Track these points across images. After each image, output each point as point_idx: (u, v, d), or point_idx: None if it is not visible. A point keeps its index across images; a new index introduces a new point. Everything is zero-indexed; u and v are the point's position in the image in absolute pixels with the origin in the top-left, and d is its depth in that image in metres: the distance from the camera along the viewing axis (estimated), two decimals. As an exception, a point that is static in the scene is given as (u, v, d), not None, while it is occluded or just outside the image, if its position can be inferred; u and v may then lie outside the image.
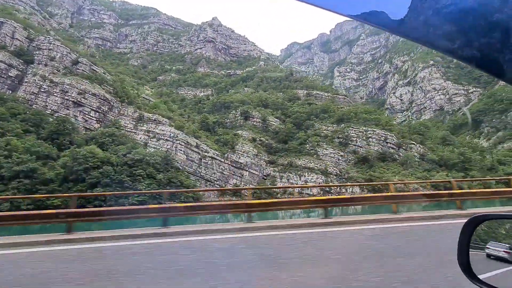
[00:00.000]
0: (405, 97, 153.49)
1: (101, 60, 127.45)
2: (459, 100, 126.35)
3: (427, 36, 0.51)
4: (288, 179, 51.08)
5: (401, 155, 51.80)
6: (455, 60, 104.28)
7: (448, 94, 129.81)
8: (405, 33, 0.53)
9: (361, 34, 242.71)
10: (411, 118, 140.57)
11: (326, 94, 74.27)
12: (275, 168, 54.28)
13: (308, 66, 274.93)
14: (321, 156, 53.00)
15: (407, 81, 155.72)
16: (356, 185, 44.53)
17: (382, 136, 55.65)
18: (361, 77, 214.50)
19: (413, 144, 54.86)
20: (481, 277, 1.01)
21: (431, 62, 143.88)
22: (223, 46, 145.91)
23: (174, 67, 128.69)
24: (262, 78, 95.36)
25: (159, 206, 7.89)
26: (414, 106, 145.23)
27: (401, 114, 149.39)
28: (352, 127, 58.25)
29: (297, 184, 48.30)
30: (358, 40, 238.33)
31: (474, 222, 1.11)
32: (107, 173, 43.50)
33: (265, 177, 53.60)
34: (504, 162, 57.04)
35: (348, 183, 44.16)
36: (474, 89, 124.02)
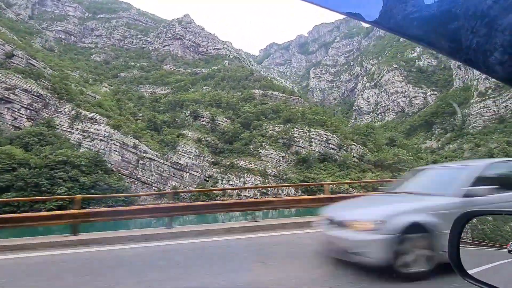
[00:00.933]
0: (371, 99, 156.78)
1: (60, 55, 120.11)
2: (418, 103, 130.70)
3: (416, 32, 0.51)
4: (228, 181, 49.80)
5: (342, 156, 52.01)
6: (416, 64, 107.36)
7: (408, 96, 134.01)
8: (395, 29, 0.53)
9: (336, 37, 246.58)
10: (376, 119, 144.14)
11: (281, 94, 73.74)
12: (217, 170, 52.83)
13: (286, 67, 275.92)
14: (263, 157, 52.11)
15: (373, 83, 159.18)
16: (292, 186, 44.08)
17: (324, 137, 55.60)
18: (335, 79, 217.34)
19: (354, 145, 55.25)
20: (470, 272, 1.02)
21: (395, 66, 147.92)
22: (192, 43, 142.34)
23: (138, 64, 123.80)
24: (223, 77, 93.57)
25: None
26: (379, 108, 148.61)
27: (367, 115, 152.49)
28: (297, 128, 57.85)
29: (236, 186, 47.13)
30: (333, 43, 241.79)
31: (465, 218, 1.10)
32: (21, 175, 40.05)
33: (206, 179, 52.01)
34: (441, 162, 58.98)
35: (281, 184, 43.57)
36: (432, 92, 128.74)
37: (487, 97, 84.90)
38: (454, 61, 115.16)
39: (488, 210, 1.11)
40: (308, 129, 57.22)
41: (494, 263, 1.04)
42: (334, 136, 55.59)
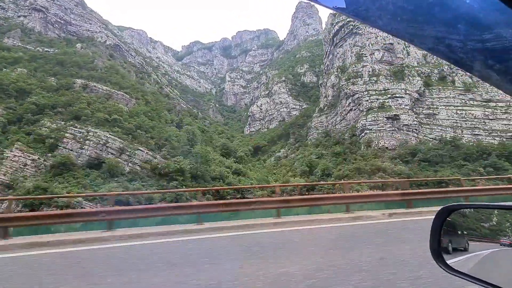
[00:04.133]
0: (264, 106, 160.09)
1: None
2: (296, 114, 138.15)
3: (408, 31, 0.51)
4: None
5: (107, 163, 45.02)
6: (301, 79, 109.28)
7: (288, 107, 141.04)
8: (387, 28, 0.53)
9: (254, 45, 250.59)
10: (264, 126, 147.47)
11: (105, 88, 63.69)
12: None
13: (208, 67, 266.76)
14: (2, 161, 40.91)
15: (267, 92, 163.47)
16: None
17: (102, 139, 47.67)
18: (248, 85, 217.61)
19: (141, 150, 49.04)
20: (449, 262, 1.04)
21: (283, 78, 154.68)
22: (59, 19, 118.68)
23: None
24: (61, 61, 77.97)
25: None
26: (266, 116, 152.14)
27: (258, 122, 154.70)
28: (74, 128, 48.49)
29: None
30: (251, 51, 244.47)
31: (446, 211, 1.11)
32: None
33: None
34: (239, 172, 58.77)
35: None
36: (306, 106, 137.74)
37: (323, 113, 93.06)
38: (328, 79, 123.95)
39: (468, 204, 1.09)
40: (87, 129, 48.51)
41: (472, 253, 1.04)
42: (116, 138, 48.26)
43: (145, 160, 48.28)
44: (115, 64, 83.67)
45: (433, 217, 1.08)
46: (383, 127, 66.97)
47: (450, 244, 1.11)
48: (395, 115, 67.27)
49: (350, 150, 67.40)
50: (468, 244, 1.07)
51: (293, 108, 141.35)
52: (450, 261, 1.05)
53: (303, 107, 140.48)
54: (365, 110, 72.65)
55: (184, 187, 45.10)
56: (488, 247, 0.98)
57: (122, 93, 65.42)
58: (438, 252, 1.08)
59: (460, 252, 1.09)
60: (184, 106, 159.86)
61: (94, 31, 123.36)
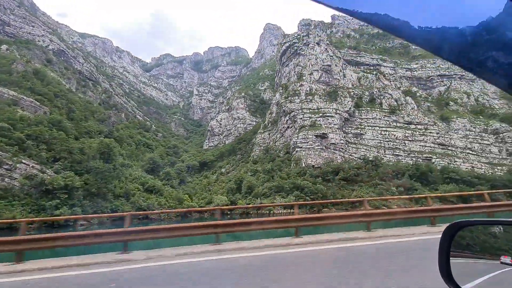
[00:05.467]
0: (223, 121, 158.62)
1: None
2: (251, 129, 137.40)
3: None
4: None
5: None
6: (261, 96, 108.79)
7: (245, 123, 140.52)
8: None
9: (223, 61, 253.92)
10: (222, 141, 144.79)
11: (11, 93, 57.59)
12: None
13: (177, 80, 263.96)
14: None
15: (228, 107, 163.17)
16: None
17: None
18: (215, 100, 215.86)
19: (24, 163, 43.30)
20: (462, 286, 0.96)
21: (243, 94, 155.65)
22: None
23: None
24: None
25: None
26: (225, 131, 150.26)
27: (217, 137, 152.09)
28: None
29: None
30: (220, 66, 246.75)
31: (454, 228, 1.03)
32: None
33: None
34: (152, 189, 54.74)
35: None
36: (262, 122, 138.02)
37: (266, 130, 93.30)
38: (273, 97, 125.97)
39: (479, 220, 1.00)
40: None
41: (486, 275, 0.94)
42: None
43: (27, 175, 42.61)
44: (42, 69, 77.71)
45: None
46: (312, 145, 67.34)
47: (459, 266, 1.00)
48: (323, 133, 68.20)
49: (279, 167, 66.43)
50: (475, 263, 0.99)
51: (250, 124, 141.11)
52: (466, 286, 0.95)
53: (259, 123, 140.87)
54: (298, 127, 73.20)
55: (67, 207, 40.04)
56: (490, 265, 0.92)
57: (31, 99, 59.73)
58: (449, 274, 0.97)
59: (471, 274, 0.99)
60: (141, 118, 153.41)
61: (36, 34, 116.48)
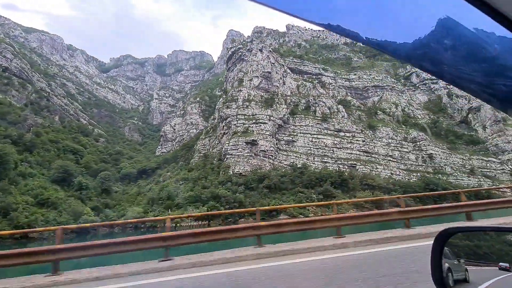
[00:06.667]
0: (177, 127, 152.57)
1: None
2: (195, 135, 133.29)
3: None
4: None
5: None
6: (216, 102, 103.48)
7: (198, 129, 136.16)
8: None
9: (187, 65, 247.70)
10: (174, 147, 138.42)
11: None
12: None
13: (138, 83, 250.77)
14: None
15: (182, 112, 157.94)
16: None
17: None
18: (177, 104, 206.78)
19: None
20: None
21: (198, 99, 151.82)
22: None
23: None
24: None
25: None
26: (177, 136, 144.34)
27: (170, 143, 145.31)
28: None
29: None
30: (184, 70, 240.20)
31: (446, 234, 1.02)
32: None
33: None
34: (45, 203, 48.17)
35: None
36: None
37: (207, 136, 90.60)
38: (218, 102, 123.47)
39: (471, 227, 0.99)
40: None
41: (485, 283, 0.92)
42: None
43: None
44: None
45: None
46: (241, 152, 65.57)
47: (451, 274, 0.97)
48: (253, 140, 66.91)
49: (206, 175, 63.51)
50: (468, 272, 0.96)
51: (202, 129, 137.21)
52: None
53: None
54: (231, 134, 71.23)
55: None
56: (487, 272, 0.90)
57: None
58: (442, 281, 0.94)
59: (463, 283, 0.97)
60: (85, 121, 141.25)
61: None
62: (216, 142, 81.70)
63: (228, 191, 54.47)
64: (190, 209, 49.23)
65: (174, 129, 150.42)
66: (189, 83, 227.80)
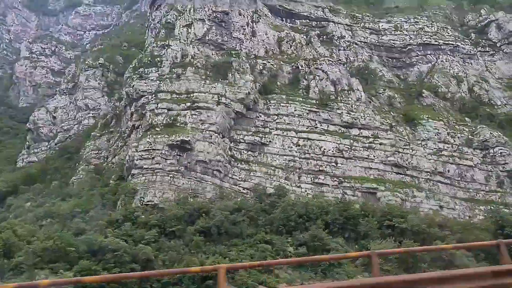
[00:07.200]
0: (59, 112, 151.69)
1: None
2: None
3: None
4: None
5: None
6: None
7: (99, 115, 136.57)
8: None
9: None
10: (54, 150, 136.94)
11: None
12: None
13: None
14: None
15: (70, 86, 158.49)
16: None
17: None
18: (65, 70, 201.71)
19: None
20: None
21: (100, 61, 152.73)
22: None
23: None
24: None
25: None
26: (60, 132, 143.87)
27: (46, 142, 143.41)
28: None
29: None
30: (82, 5, 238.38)
31: None
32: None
33: None
34: None
35: None
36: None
37: (105, 131, 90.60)
38: None
39: None
40: None
41: None
42: None
43: None
44: None
45: None
46: (160, 164, 66.13)
47: None
48: (184, 141, 67.55)
49: (88, 208, 62.73)
50: None
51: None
52: None
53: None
54: (144, 128, 70.87)
55: None
56: None
57: None
58: None
59: None
60: None
61: None
62: (120, 144, 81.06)
63: (124, 240, 53.47)
64: (42, 275, 48.06)
65: (55, 117, 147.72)
66: (91, 30, 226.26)
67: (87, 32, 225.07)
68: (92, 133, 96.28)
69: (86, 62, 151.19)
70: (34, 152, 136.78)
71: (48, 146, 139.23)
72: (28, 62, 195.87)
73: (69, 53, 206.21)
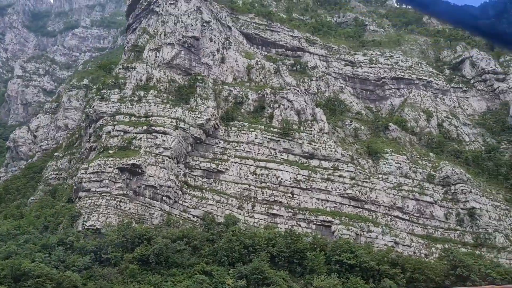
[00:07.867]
0: (41, 131, 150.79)
1: None
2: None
3: None
4: None
5: None
6: None
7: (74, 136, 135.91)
8: None
9: (87, 19, 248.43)
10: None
11: None
12: None
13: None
14: None
15: (55, 105, 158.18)
16: None
17: None
18: (57, 91, 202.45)
19: None
20: None
21: (84, 82, 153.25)
22: None
23: None
24: None
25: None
26: (39, 151, 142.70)
27: (25, 161, 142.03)
28: None
29: None
30: (79, 28, 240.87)
31: None
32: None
33: None
34: None
35: None
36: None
37: (68, 152, 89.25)
38: None
39: None
40: None
41: None
42: None
43: None
44: None
45: None
46: (108, 186, 64.37)
47: None
48: (134, 164, 65.97)
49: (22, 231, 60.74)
50: None
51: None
52: None
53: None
54: (98, 150, 69.31)
55: None
56: None
57: None
58: None
59: None
60: None
61: None
62: (78, 166, 79.80)
63: (54, 266, 51.85)
64: None
65: (35, 137, 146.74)
66: (87, 52, 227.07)
67: (82, 53, 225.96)
68: (55, 154, 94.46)
69: (71, 83, 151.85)
70: (12, 170, 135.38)
71: (26, 165, 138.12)
72: (21, 81, 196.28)
73: (62, 74, 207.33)
